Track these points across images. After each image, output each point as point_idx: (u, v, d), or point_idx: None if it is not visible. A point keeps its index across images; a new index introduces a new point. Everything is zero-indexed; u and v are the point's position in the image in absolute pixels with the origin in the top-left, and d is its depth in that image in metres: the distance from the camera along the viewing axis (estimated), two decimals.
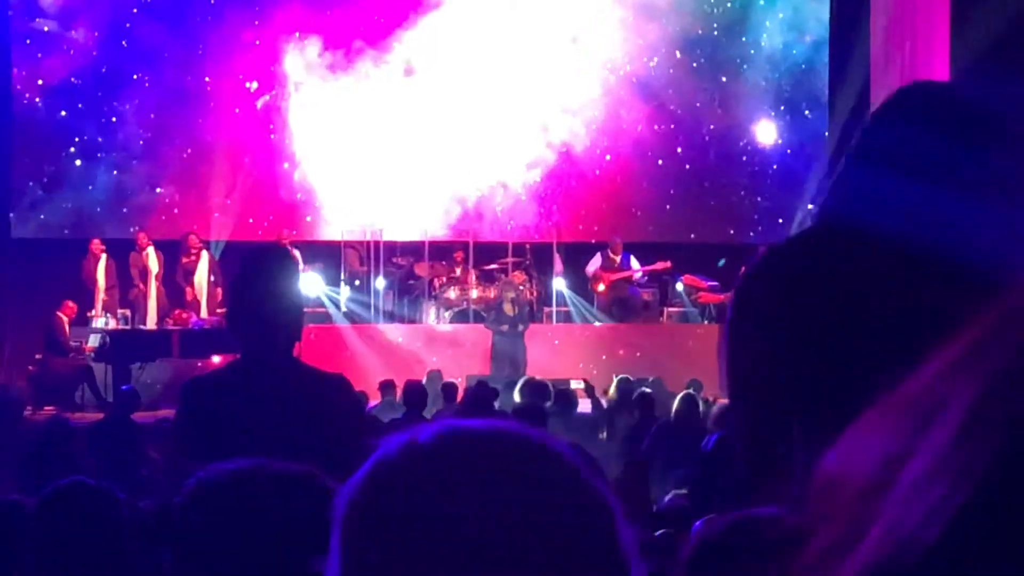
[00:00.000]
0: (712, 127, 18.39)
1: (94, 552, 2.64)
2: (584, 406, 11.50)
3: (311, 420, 3.12)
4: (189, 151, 17.34)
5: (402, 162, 17.47)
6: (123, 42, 17.05)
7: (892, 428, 0.78)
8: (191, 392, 3.32)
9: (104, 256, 16.03)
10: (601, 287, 16.75)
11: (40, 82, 17.02)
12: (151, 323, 15.86)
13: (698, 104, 18.26)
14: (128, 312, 16.04)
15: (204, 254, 16.17)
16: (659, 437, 8.28)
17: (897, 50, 16.82)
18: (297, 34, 17.26)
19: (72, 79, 17.02)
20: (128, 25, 17.03)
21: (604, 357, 15.44)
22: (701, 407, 9.42)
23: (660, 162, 18.24)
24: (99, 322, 15.44)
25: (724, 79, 18.40)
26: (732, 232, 18.30)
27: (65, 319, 15.17)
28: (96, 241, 16.17)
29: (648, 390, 10.60)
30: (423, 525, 0.94)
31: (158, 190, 17.46)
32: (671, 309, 17.11)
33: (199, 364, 13.80)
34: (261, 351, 3.25)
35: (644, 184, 18.22)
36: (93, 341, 14.90)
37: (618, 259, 16.79)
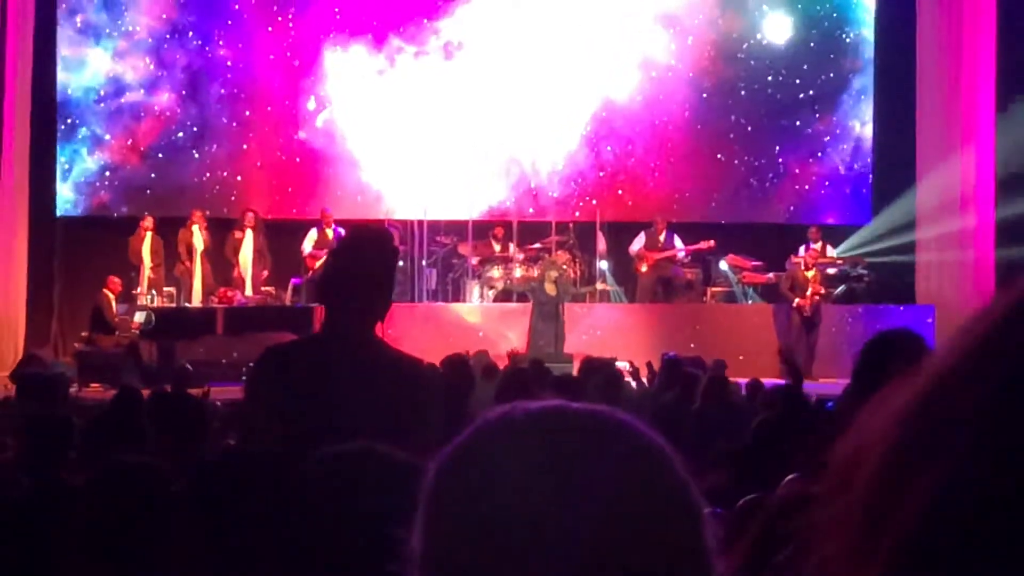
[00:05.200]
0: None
1: (141, 531, 2.64)
2: (629, 385, 11.45)
3: (388, 400, 3.08)
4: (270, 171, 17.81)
5: (456, 140, 17.51)
6: (222, 89, 17.63)
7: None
8: (267, 360, 3.30)
9: (150, 233, 16.10)
10: (644, 267, 16.67)
11: (138, 146, 17.65)
12: (196, 301, 15.94)
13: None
14: (173, 290, 16.14)
15: (249, 232, 16.21)
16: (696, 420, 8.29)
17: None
18: (339, 47, 17.56)
19: (167, 138, 17.65)
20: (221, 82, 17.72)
21: (648, 337, 15.37)
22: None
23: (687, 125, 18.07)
24: (145, 299, 15.53)
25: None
26: (784, 211, 18.13)
27: (111, 296, 15.27)
28: (148, 217, 16.26)
29: (695, 370, 10.54)
30: (507, 499, 0.93)
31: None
32: (715, 289, 17.01)
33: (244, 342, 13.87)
34: (346, 326, 3.22)
35: (701, 153, 18.02)
36: (139, 318, 14.99)
37: (662, 238, 16.70)
